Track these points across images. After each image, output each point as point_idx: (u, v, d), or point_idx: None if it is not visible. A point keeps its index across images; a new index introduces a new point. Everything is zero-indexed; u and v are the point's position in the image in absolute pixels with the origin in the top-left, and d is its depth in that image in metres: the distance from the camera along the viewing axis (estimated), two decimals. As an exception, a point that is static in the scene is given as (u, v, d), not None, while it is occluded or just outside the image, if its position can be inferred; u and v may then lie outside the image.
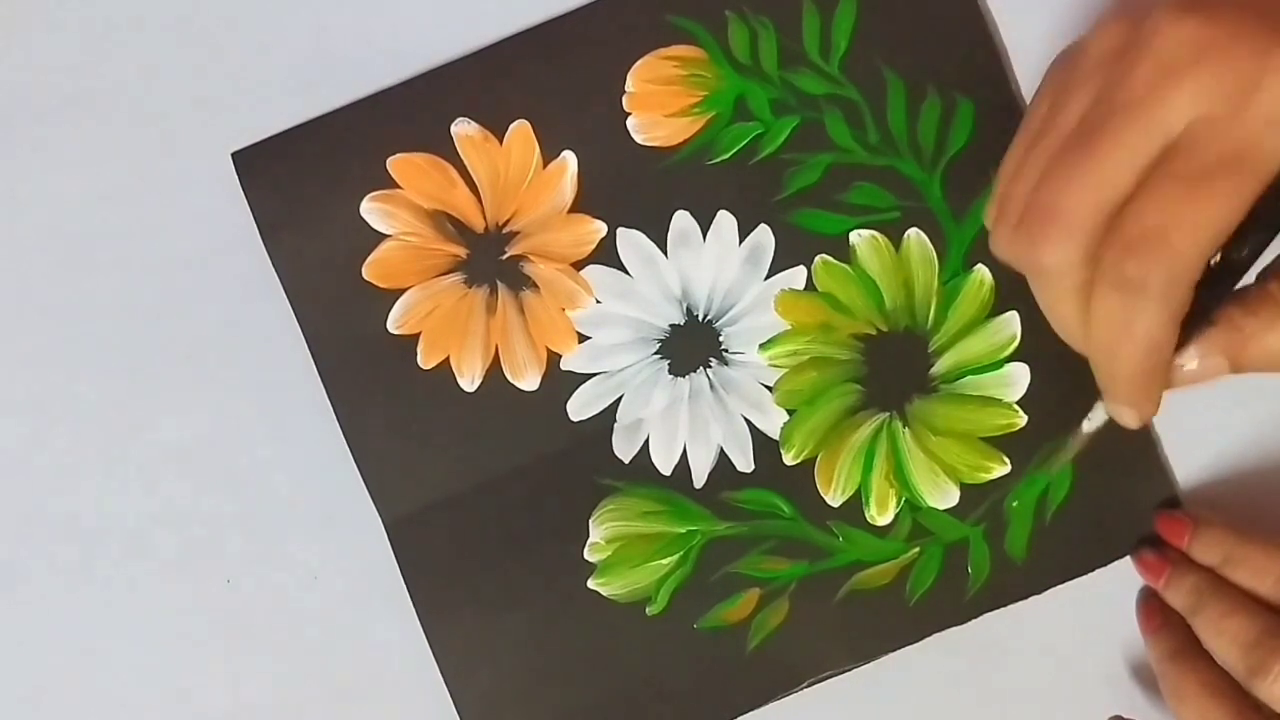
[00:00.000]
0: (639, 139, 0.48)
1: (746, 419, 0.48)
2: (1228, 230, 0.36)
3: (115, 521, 0.48)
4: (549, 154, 0.48)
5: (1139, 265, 0.36)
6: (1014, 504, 0.47)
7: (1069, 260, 0.37)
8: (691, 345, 0.48)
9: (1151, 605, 0.47)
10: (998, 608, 0.47)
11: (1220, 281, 0.39)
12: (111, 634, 0.48)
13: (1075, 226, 0.37)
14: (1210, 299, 0.39)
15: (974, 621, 0.47)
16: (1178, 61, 0.35)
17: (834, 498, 0.47)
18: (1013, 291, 0.47)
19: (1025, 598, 0.47)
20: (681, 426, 0.48)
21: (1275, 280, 0.39)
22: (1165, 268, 0.36)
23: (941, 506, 0.47)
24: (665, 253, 0.48)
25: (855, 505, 0.47)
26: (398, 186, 0.48)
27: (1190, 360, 0.40)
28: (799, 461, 0.47)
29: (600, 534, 0.47)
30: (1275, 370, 0.40)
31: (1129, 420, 0.40)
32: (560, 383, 0.48)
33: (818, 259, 0.48)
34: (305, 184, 0.48)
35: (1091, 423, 0.44)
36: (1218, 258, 0.39)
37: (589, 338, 0.48)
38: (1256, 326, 0.39)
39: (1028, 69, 0.48)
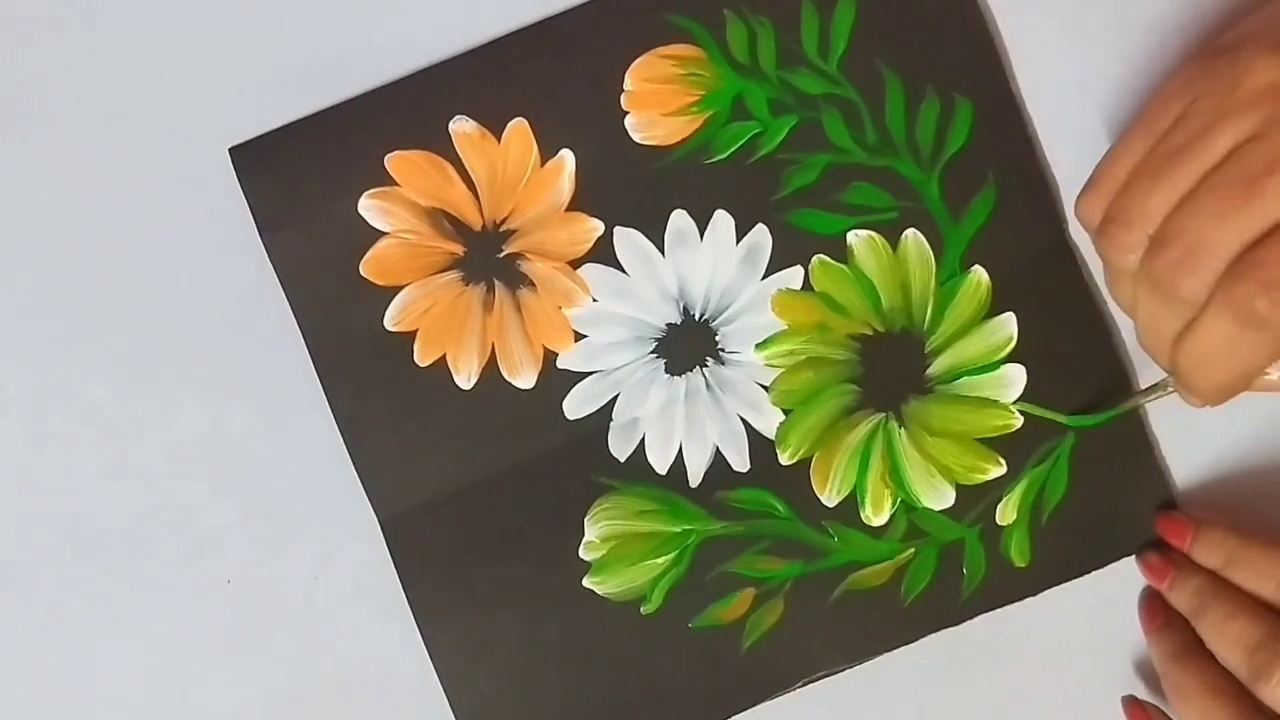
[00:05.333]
0: (637, 137, 0.48)
1: (743, 418, 0.48)
2: None
3: (115, 521, 0.48)
4: (547, 152, 0.48)
5: (1270, 306, 0.37)
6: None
7: (1204, 292, 0.39)
8: (688, 344, 0.48)
9: (1154, 605, 0.47)
10: (993, 609, 0.47)
11: None
12: (112, 633, 0.48)
13: (1220, 263, 0.38)
14: None
15: (970, 622, 0.47)
16: None
17: (829, 498, 0.47)
18: (1010, 292, 0.47)
19: (1021, 599, 0.47)
20: (677, 426, 0.48)
21: None
22: None
23: (937, 507, 0.47)
24: (662, 252, 0.48)
25: (851, 505, 0.47)
26: (395, 184, 0.48)
27: (1275, 372, 0.42)
28: (795, 461, 0.47)
29: (595, 533, 0.47)
30: None
31: (1193, 403, 0.42)
32: (556, 381, 0.48)
33: (815, 259, 0.48)
34: (303, 180, 0.48)
35: (1162, 391, 0.45)
36: None
37: (585, 336, 0.48)
38: None
39: (1028, 69, 0.48)
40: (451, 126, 0.48)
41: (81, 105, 0.48)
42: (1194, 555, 0.46)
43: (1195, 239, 0.39)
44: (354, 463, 0.47)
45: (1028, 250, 0.47)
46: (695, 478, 0.48)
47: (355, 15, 0.48)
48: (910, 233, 0.47)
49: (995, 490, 0.47)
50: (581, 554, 0.47)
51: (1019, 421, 0.47)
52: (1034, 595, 0.47)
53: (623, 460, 0.48)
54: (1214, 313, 0.38)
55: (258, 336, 0.48)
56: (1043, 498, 0.47)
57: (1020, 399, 0.47)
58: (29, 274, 0.48)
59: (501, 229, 0.48)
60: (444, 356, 0.48)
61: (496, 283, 0.48)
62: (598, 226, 0.48)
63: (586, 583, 0.47)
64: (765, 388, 0.48)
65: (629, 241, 0.48)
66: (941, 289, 0.47)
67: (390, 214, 0.48)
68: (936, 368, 0.47)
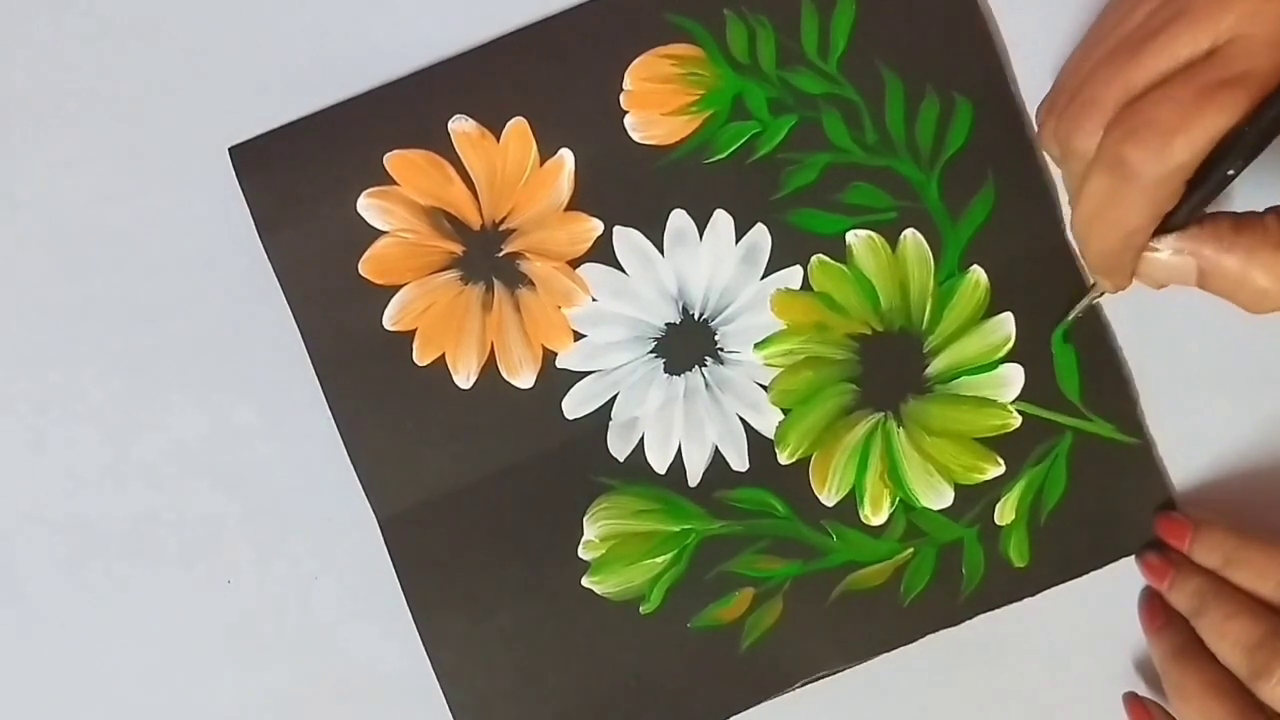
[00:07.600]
0: (636, 137, 0.48)
1: (741, 418, 0.48)
2: (1221, 136, 0.37)
3: (115, 521, 0.48)
4: (546, 151, 0.48)
5: (1137, 153, 0.38)
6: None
7: (1092, 146, 0.39)
8: (687, 344, 0.48)
9: (1154, 605, 0.47)
10: (992, 609, 0.47)
11: (1203, 189, 0.39)
12: (111, 634, 0.48)
13: (1106, 117, 0.39)
14: (1194, 204, 0.40)
15: (970, 622, 0.47)
16: None
17: (828, 497, 0.47)
18: (1008, 292, 0.47)
19: (1020, 599, 0.47)
20: (676, 425, 0.48)
21: (1276, 216, 0.40)
22: (1160, 161, 0.37)
23: (936, 507, 0.47)
24: (662, 251, 0.48)
25: (849, 505, 0.47)
26: (395, 183, 0.48)
27: (1165, 249, 0.41)
28: (794, 461, 0.47)
29: (594, 532, 0.47)
30: (1232, 298, 0.41)
31: (1105, 287, 0.43)
32: (555, 380, 0.48)
33: (814, 259, 0.48)
34: (302, 180, 0.48)
35: (1094, 291, 0.45)
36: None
37: (585, 336, 0.48)
38: (1236, 245, 0.40)
39: (1028, 69, 0.48)
40: (451, 126, 0.48)
41: (82, 105, 0.48)
42: (1193, 555, 0.46)
43: (1087, 95, 0.40)
44: (353, 463, 0.47)
45: (1026, 250, 0.47)
46: (694, 477, 0.48)
47: (355, 15, 0.48)
48: (909, 233, 0.47)
49: (994, 490, 0.47)
50: (580, 553, 0.47)
51: (1017, 421, 0.47)
52: (1033, 595, 0.47)
53: (622, 460, 0.48)
54: (1094, 167, 0.39)
55: (257, 336, 0.48)
56: (1041, 498, 0.47)
57: (1018, 399, 0.47)
58: (29, 274, 0.48)
59: (501, 228, 0.48)
60: (443, 356, 0.48)
61: (496, 282, 0.48)
62: (597, 226, 0.48)
63: (585, 582, 0.47)
64: (764, 387, 0.48)
65: (628, 241, 0.48)
66: (940, 289, 0.47)
67: (389, 213, 0.48)
68: (935, 367, 0.47)
